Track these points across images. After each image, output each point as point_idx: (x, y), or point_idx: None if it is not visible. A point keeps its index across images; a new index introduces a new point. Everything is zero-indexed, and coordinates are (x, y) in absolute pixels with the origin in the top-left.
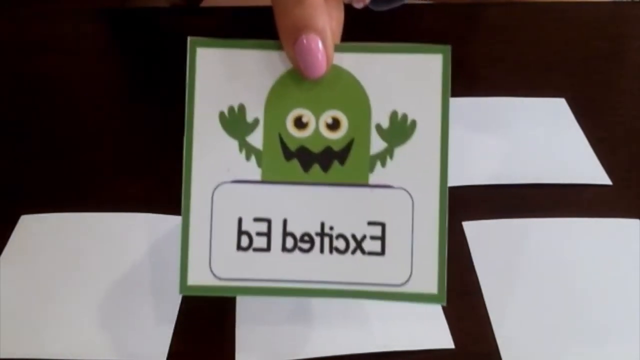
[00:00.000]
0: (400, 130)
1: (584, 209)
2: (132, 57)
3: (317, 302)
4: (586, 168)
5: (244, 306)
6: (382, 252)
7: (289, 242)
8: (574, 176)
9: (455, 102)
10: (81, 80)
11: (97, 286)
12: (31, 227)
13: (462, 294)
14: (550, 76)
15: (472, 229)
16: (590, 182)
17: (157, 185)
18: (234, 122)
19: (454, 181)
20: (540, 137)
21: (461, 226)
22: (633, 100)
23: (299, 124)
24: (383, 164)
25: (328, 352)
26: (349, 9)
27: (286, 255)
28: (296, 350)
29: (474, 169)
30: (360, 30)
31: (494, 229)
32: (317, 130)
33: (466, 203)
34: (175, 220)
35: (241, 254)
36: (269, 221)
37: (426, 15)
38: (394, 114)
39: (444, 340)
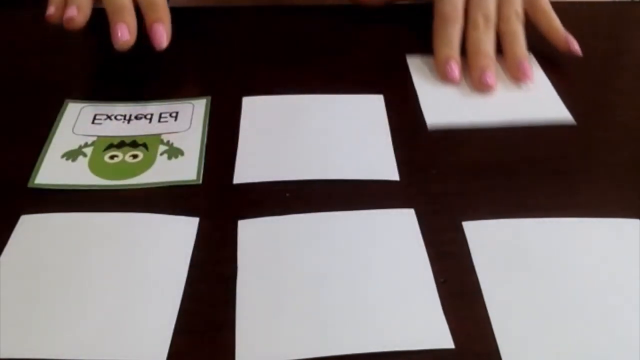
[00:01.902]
0: None
1: (584, 208)
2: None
3: (317, 303)
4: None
5: (244, 306)
6: None
7: None
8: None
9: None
10: (80, 80)
11: (97, 286)
12: (31, 227)
13: (462, 294)
14: (550, 76)
15: (472, 229)
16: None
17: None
18: None
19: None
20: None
21: (461, 226)
22: (633, 100)
23: None
24: None
25: (328, 352)
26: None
27: None
28: (296, 350)
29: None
30: (360, 29)
31: (494, 229)
32: None
33: (466, 203)
34: (175, 220)
35: None
36: None
37: (426, 15)
38: None
39: (444, 340)
